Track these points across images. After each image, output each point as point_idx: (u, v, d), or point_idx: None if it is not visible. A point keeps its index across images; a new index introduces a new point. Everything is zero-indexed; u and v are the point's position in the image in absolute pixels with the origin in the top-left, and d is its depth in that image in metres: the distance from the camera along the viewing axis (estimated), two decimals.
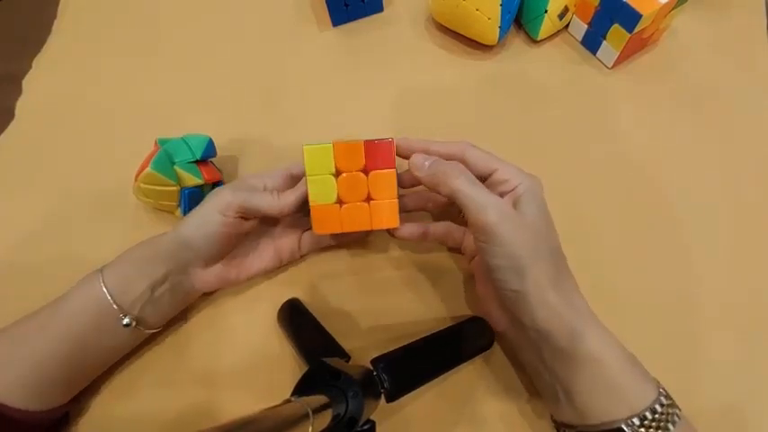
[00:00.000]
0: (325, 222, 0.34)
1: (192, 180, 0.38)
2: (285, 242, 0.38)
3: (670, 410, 0.26)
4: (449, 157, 0.33)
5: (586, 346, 0.27)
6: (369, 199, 0.33)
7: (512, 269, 0.28)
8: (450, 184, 0.29)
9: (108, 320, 0.32)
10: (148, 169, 0.36)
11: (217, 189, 0.34)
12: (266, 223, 0.38)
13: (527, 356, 0.31)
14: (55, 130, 0.48)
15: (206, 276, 0.35)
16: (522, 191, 0.30)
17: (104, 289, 0.31)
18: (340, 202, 0.33)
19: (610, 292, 0.37)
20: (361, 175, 0.33)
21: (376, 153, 0.33)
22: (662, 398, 0.26)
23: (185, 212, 0.38)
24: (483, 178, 0.32)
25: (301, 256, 0.39)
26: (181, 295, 0.35)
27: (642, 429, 0.25)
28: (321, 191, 0.33)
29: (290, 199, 0.34)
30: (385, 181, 0.33)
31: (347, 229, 0.34)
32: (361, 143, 0.32)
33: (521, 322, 0.29)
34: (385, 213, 0.34)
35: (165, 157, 0.38)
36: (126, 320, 0.32)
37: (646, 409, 0.25)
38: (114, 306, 0.31)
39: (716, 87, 0.46)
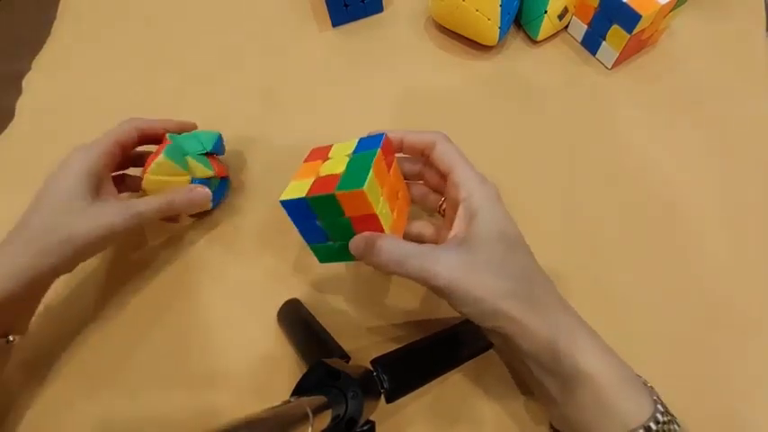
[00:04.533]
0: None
1: (203, 171, 0.38)
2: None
3: (667, 428, 0.25)
4: (419, 149, 0.32)
5: (573, 364, 0.26)
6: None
7: (480, 312, 0.27)
8: (395, 269, 0.28)
9: None
10: (161, 157, 0.36)
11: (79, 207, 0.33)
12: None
13: (519, 367, 0.31)
14: (54, 131, 0.48)
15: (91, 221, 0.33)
16: (477, 206, 0.28)
17: None
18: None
19: (608, 293, 0.37)
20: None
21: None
22: (658, 414, 0.25)
23: None
24: (443, 176, 0.31)
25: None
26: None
27: None
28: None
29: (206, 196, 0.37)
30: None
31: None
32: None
33: (516, 355, 0.28)
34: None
35: (177, 148, 0.38)
36: None
37: (639, 427, 0.25)
38: None
39: (715, 88, 0.46)
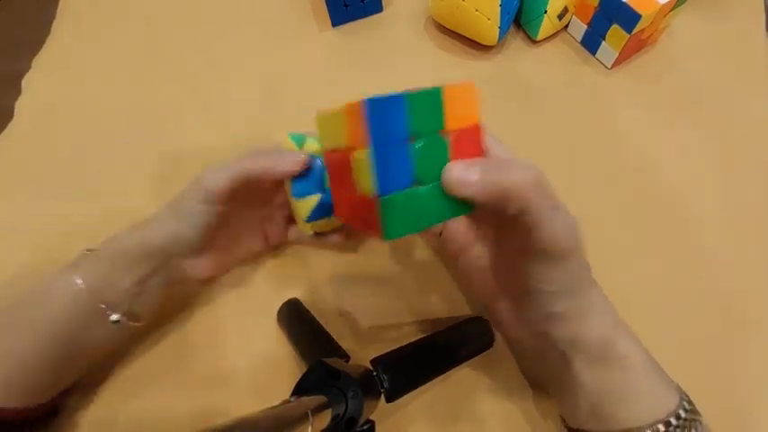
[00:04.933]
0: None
1: (314, 148, 0.34)
2: (273, 225, 0.37)
3: (693, 416, 0.25)
4: None
5: (618, 351, 0.26)
6: None
7: (562, 293, 0.25)
8: (518, 198, 0.22)
9: (95, 318, 0.30)
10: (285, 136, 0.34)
11: (196, 176, 0.32)
12: (253, 206, 0.36)
13: (537, 365, 0.30)
14: (54, 130, 0.48)
15: (198, 264, 0.34)
16: (538, 220, 0.24)
17: (84, 286, 0.30)
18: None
19: (611, 292, 0.37)
20: None
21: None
22: (684, 403, 0.25)
23: (294, 190, 0.33)
24: None
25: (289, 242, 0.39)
26: (173, 285, 0.34)
27: None
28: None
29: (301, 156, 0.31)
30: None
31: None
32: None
33: (544, 334, 0.27)
34: None
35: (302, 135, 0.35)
36: (114, 317, 0.31)
37: (670, 415, 0.24)
38: (101, 305, 0.30)
39: (715, 87, 0.46)
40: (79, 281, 0.30)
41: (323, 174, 0.32)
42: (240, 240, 0.37)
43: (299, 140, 0.34)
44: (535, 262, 0.25)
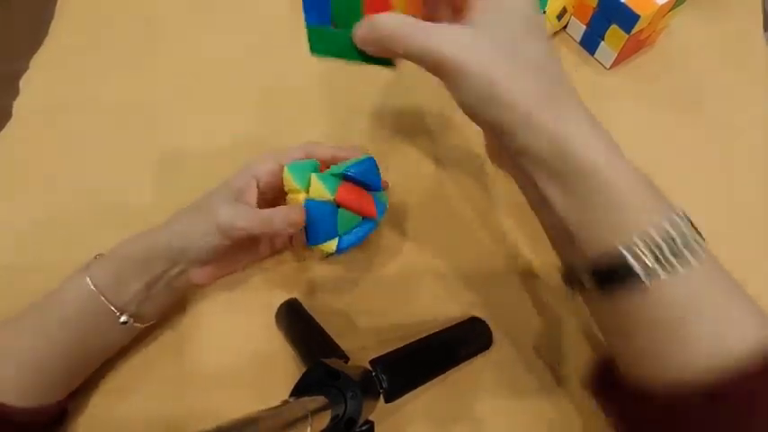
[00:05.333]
0: None
1: (320, 192, 0.31)
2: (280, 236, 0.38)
3: (688, 233, 0.21)
4: None
5: (582, 159, 0.22)
6: None
7: (482, 97, 0.23)
8: (396, 45, 0.24)
9: (105, 319, 0.32)
10: (285, 169, 0.33)
11: (214, 204, 0.32)
12: None
13: (530, 194, 0.27)
14: (52, 130, 0.48)
15: (203, 271, 0.34)
16: None
17: (95, 289, 0.31)
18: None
19: None
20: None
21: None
22: (676, 217, 0.21)
23: (307, 237, 0.33)
24: None
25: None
26: (177, 290, 0.35)
27: (648, 254, 0.21)
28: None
29: (280, 226, 0.31)
30: None
31: None
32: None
33: (509, 150, 0.25)
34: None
35: (309, 164, 0.34)
36: (123, 318, 0.32)
37: (651, 227, 0.21)
38: (111, 307, 0.31)
39: (714, 87, 0.46)
40: (91, 285, 0.31)
41: (335, 218, 0.32)
42: (248, 251, 0.37)
43: (303, 180, 0.32)
44: (445, 83, 0.25)
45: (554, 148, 0.23)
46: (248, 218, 0.31)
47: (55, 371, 0.31)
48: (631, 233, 0.21)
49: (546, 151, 0.23)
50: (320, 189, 0.31)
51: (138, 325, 0.33)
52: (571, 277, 0.26)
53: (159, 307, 0.35)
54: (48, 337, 0.31)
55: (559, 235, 0.26)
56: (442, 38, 0.23)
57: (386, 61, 0.28)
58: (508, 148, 0.25)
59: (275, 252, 0.38)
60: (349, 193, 0.32)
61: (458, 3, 0.26)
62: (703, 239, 0.22)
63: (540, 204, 0.26)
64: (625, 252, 0.21)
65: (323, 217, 0.32)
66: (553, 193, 0.24)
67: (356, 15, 0.26)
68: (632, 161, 0.24)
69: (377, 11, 0.25)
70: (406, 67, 0.27)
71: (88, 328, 0.32)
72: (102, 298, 0.31)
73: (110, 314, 0.31)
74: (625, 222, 0.22)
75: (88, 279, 0.31)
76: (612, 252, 0.22)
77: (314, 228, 0.32)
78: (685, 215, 0.23)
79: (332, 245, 0.33)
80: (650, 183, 0.24)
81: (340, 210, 0.32)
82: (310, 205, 0.31)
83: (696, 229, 0.22)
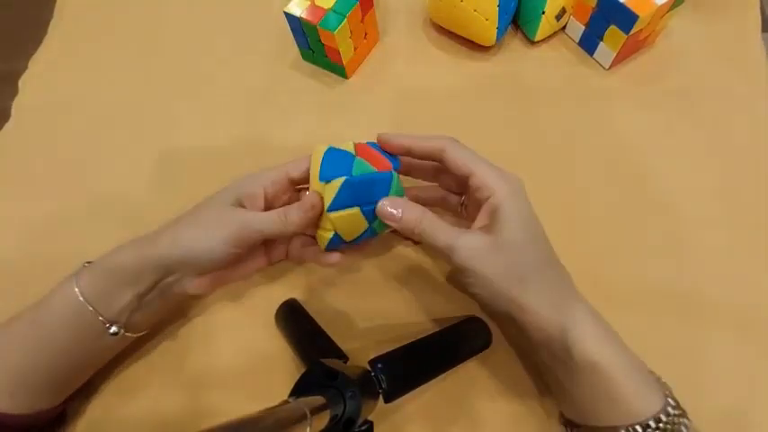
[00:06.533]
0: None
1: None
2: (276, 246, 0.37)
3: (677, 420, 0.25)
4: (428, 156, 0.32)
5: (583, 353, 0.26)
6: None
7: (492, 295, 0.29)
8: (419, 232, 0.30)
9: (93, 330, 0.31)
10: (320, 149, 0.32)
11: (222, 211, 0.32)
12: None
13: (532, 356, 0.32)
14: (51, 130, 0.48)
15: (199, 282, 0.34)
16: (500, 201, 0.29)
17: (83, 300, 0.30)
18: None
19: (609, 293, 0.37)
20: None
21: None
22: (669, 408, 0.25)
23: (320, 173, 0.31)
24: (463, 180, 0.31)
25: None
26: (171, 300, 0.34)
27: None
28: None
29: (296, 219, 0.31)
30: None
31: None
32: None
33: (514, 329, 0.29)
34: None
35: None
36: (113, 329, 0.31)
37: (649, 418, 0.25)
38: (99, 318, 0.30)
39: (712, 88, 0.46)
40: (79, 296, 0.30)
41: (351, 160, 0.32)
42: (245, 262, 0.36)
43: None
44: (457, 273, 0.31)
45: (559, 345, 0.27)
46: (263, 220, 0.31)
47: (46, 379, 0.31)
48: (631, 420, 0.25)
49: (553, 344, 0.28)
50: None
51: (130, 335, 0.33)
52: (570, 426, 0.30)
53: (151, 317, 0.34)
54: (37, 347, 0.30)
55: (559, 394, 0.30)
56: (457, 238, 0.29)
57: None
58: (528, 342, 0.30)
59: (271, 263, 0.38)
60: (367, 150, 0.33)
61: (463, 181, 0.31)
62: (689, 419, 0.26)
63: (542, 369, 0.31)
64: None
65: (339, 157, 0.32)
66: (555, 367, 0.29)
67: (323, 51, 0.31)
68: (622, 345, 0.28)
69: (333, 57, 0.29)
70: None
71: (78, 338, 0.31)
72: (91, 309, 0.30)
73: (99, 325, 0.31)
74: (626, 410, 0.25)
75: (77, 290, 0.30)
76: (616, 430, 0.25)
77: (328, 164, 0.31)
78: (674, 400, 0.26)
79: (339, 182, 0.31)
80: (643, 367, 0.28)
81: (357, 158, 0.32)
82: (330, 149, 0.32)
83: (682, 410, 0.26)
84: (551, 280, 0.29)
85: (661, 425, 0.25)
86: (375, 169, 0.32)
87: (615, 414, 0.26)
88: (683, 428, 0.25)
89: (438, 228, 0.30)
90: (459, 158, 0.31)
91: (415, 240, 0.39)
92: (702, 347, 0.35)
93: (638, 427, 0.25)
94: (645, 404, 0.25)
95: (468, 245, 0.29)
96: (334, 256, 0.35)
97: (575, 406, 0.28)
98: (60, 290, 0.31)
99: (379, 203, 0.31)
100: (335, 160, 0.31)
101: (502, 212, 0.29)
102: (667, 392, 0.27)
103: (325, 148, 0.32)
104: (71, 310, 0.30)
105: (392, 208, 0.31)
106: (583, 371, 0.26)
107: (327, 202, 0.31)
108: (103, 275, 0.31)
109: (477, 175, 0.30)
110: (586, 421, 0.27)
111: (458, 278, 0.30)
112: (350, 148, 0.32)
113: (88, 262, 0.33)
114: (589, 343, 0.26)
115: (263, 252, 0.37)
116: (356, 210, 0.31)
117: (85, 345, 0.31)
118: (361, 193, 0.31)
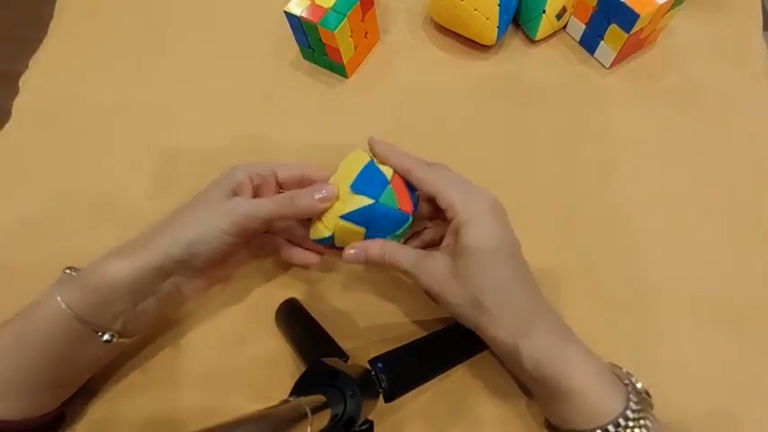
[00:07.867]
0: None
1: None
2: (268, 237, 0.37)
3: (640, 421, 0.25)
4: (400, 174, 0.33)
5: (543, 374, 0.27)
6: None
7: (457, 316, 0.31)
8: (390, 262, 0.31)
9: (85, 338, 0.30)
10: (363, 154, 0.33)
11: (221, 203, 0.32)
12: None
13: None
14: (51, 130, 0.48)
15: (195, 283, 0.34)
16: (461, 222, 0.29)
17: (70, 312, 0.29)
18: None
19: (606, 293, 0.37)
20: None
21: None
22: (629, 411, 0.26)
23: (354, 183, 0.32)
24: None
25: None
26: (167, 305, 0.34)
27: None
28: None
29: (305, 204, 0.31)
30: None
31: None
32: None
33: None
34: None
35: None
36: (106, 337, 0.30)
37: (609, 423, 0.25)
38: (91, 329, 0.30)
39: (713, 87, 0.46)
40: (67, 309, 0.29)
41: (384, 185, 0.32)
42: (238, 257, 0.36)
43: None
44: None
45: (519, 367, 0.29)
46: (266, 204, 0.32)
47: (35, 388, 0.30)
48: (594, 424, 0.26)
49: (514, 364, 0.30)
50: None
51: (124, 340, 0.32)
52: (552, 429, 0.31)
53: (147, 322, 0.33)
54: (24, 357, 0.29)
55: (535, 389, 0.31)
56: (424, 266, 0.30)
57: None
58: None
59: (258, 256, 0.38)
60: (399, 184, 0.33)
61: (435, 202, 0.31)
62: (652, 416, 0.26)
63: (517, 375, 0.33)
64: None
65: (376, 176, 0.32)
66: (531, 384, 0.30)
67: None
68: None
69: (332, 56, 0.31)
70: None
71: (65, 347, 0.30)
72: (81, 320, 0.29)
73: (90, 334, 0.30)
74: (592, 417, 0.26)
75: (63, 302, 0.29)
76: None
77: (364, 178, 0.32)
78: (635, 402, 0.26)
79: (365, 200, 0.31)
80: (608, 373, 0.28)
81: (389, 186, 0.32)
82: (371, 164, 0.33)
83: (643, 411, 0.26)
84: (512, 302, 0.29)
85: (620, 429, 0.25)
86: (398, 206, 0.32)
87: (584, 419, 0.27)
88: (647, 424, 0.25)
89: (399, 254, 0.31)
90: (423, 179, 0.31)
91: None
92: (701, 346, 0.35)
93: (617, 419, 0.25)
94: (608, 409, 0.26)
95: (427, 270, 0.30)
96: (314, 257, 0.36)
97: (552, 412, 0.29)
98: (46, 301, 0.30)
99: (344, 253, 0.32)
100: (371, 177, 0.32)
101: (462, 235, 0.29)
102: (630, 395, 0.27)
103: (367, 159, 0.33)
104: (59, 322, 0.29)
105: (355, 252, 0.32)
106: (543, 386, 0.28)
107: (344, 211, 0.31)
108: (95, 291, 0.30)
109: (441, 197, 0.30)
110: (564, 422, 0.28)
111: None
112: (389, 173, 0.32)
113: (69, 268, 0.32)
114: (548, 366, 0.27)
115: (256, 248, 0.37)
116: (362, 230, 0.32)
117: (76, 352, 0.31)
118: (376, 221, 0.32)
